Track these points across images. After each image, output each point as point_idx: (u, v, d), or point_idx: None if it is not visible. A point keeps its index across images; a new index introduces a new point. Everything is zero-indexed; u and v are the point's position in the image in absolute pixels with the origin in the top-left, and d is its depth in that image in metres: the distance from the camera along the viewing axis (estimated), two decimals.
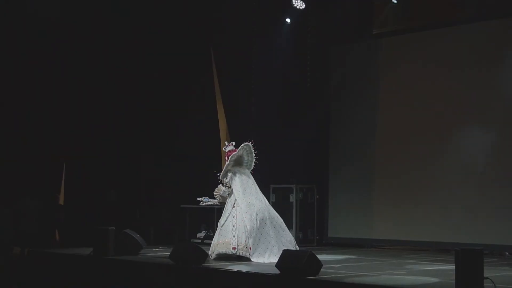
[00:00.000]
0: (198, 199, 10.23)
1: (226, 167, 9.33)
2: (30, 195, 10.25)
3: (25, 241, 9.93)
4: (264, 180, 11.87)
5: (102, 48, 10.88)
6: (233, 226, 8.92)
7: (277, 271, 7.14)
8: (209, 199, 10.25)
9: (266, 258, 8.66)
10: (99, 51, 10.86)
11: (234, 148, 9.42)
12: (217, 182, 11.90)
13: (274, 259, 8.29)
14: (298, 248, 9.00)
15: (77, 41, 10.67)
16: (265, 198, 9.27)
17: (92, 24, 10.73)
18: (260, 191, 9.25)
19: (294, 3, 11.82)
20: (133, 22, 11.12)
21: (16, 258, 9.77)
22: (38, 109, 10.42)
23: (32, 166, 10.31)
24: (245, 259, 8.69)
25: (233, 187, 9.17)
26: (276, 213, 9.18)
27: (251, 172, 9.41)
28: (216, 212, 9.36)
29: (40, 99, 10.43)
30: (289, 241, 8.93)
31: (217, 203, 9.63)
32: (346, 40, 12.25)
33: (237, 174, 9.25)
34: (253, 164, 9.42)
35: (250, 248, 8.70)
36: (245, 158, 9.36)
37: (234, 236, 8.85)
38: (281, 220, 9.11)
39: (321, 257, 7.31)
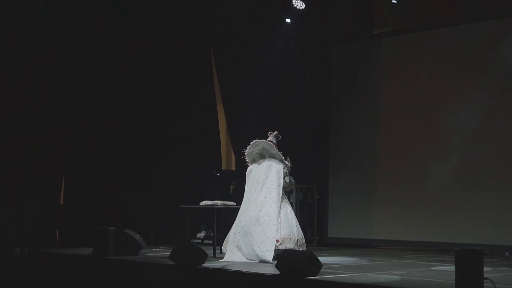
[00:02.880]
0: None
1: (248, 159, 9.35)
2: (30, 195, 10.22)
3: (25, 241, 9.92)
4: None
5: (102, 48, 10.84)
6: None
7: (277, 271, 7.14)
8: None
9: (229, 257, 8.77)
10: (100, 51, 10.83)
11: (272, 140, 9.30)
12: (217, 182, 11.95)
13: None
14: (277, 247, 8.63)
15: (77, 40, 10.65)
16: (269, 194, 8.93)
17: (91, 23, 10.72)
18: (270, 187, 8.97)
19: (294, 3, 11.81)
20: (133, 22, 11.09)
21: (16, 258, 9.77)
22: (39, 109, 10.39)
23: (33, 166, 10.28)
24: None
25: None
26: (272, 209, 8.81)
27: (289, 165, 9.28)
28: (216, 212, 9.36)
29: (40, 99, 10.40)
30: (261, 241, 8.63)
31: (217, 203, 9.61)
32: (346, 40, 12.26)
33: (249, 168, 9.26)
34: (280, 156, 9.17)
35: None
36: (272, 151, 9.17)
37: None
38: (270, 218, 8.74)
39: (321, 257, 7.31)
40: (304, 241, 8.94)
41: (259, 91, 12.15)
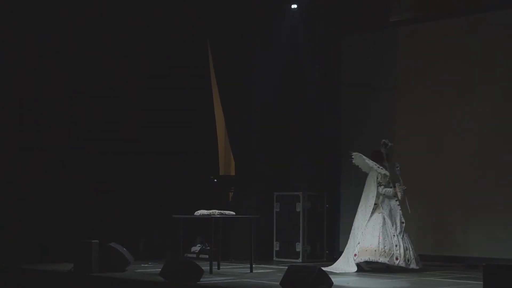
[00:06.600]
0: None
1: None
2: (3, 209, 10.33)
3: None
4: (268, 187, 11.77)
5: (95, 46, 10.95)
6: None
7: None
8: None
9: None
10: (92, 49, 10.94)
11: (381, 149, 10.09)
12: (214, 189, 11.79)
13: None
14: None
15: (70, 38, 10.78)
16: (362, 205, 9.85)
17: (87, 20, 10.87)
18: (363, 198, 9.91)
19: None
20: (129, 19, 11.19)
21: None
22: (20, 116, 10.52)
23: (8, 179, 10.37)
24: None
25: None
26: (359, 222, 9.76)
27: (383, 173, 9.90)
28: (214, 223, 9.26)
29: (21, 105, 10.54)
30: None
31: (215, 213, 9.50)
32: (360, 29, 12.21)
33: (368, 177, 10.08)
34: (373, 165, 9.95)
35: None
36: (370, 163, 9.97)
37: None
38: (355, 230, 9.78)
39: (331, 274, 7.39)
40: (391, 250, 9.45)
41: (262, 89, 12.07)
